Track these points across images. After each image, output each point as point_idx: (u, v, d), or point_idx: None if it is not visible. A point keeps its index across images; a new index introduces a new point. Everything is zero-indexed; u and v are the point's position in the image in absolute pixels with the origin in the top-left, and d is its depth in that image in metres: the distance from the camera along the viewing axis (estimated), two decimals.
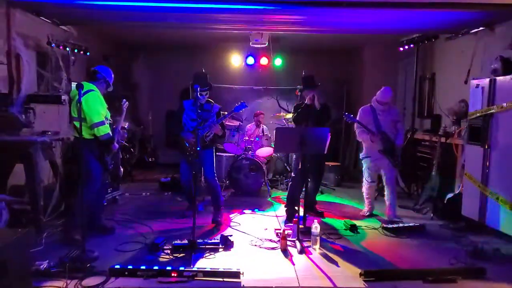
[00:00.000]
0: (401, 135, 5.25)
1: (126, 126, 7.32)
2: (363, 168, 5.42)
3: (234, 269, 3.33)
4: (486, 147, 4.50)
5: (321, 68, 8.12)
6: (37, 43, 5.48)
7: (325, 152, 4.53)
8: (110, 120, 4.33)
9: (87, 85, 4.03)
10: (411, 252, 4.08)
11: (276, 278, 3.36)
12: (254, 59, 8.05)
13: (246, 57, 8.02)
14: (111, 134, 4.17)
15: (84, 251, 3.48)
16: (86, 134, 4.03)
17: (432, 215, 5.33)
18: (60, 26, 5.80)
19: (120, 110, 4.57)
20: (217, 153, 6.44)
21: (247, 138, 6.93)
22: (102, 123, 4.06)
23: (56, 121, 5.22)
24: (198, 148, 4.01)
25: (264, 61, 8.07)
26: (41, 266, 3.25)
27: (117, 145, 4.41)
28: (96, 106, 4.03)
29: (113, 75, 4.38)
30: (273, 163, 7.77)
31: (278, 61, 8.23)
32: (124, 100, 4.64)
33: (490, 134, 4.47)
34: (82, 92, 3.64)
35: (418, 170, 6.41)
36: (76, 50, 6.24)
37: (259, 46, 7.45)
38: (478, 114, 4.61)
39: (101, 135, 4.07)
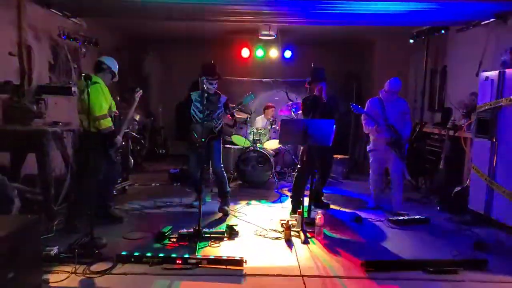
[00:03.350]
0: (409, 127, 5.22)
1: (136, 118, 7.44)
2: (370, 161, 5.42)
3: (238, 257, 3.39)
4: (494, 140, 4.46)
5: (331, 61, 8.07)
6: (48, 35, 5.58)
7: (330, 144, 4.51)
8: (116, 112, 4.33)
9: (92, 78, 4.01)
10: (414, 244, 4.09)
11: (278, 266, 3.42)
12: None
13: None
14: (112, 128, 4.17)
15: (92, 238, 3.58)
16: (90, 127, 3.99)
17: (438, 208, 5.32)
18: (71, 19, 5.90)
19: (133, 99, 4.60)
20: (225, 145, 6.48)
21: (255, 130, 6.96)
22: (104, 116, 4.08)
23: (67, 112, 5.31)
24: (203, 140, 4.05)
25: (288, 54, 8.17)
26: (51, 252, 3.37)
27: (120, 139, 4.42)
28: (98, 99, 4.04)
29: (117, 65, 4.40)
30: (281, 156, 7.80)
31: (287, 53, 8.21)
32: (138, 89, 4.66)
33: (497, 127, 4.43)
34: (87, 85, 3.66)
35: (426, 163, 6.37)
36: (86, 43, 6.34)
37: (267, 38, 7.46)
38: (486, 107, 4.56)
39: (103, 129, 4.10)
